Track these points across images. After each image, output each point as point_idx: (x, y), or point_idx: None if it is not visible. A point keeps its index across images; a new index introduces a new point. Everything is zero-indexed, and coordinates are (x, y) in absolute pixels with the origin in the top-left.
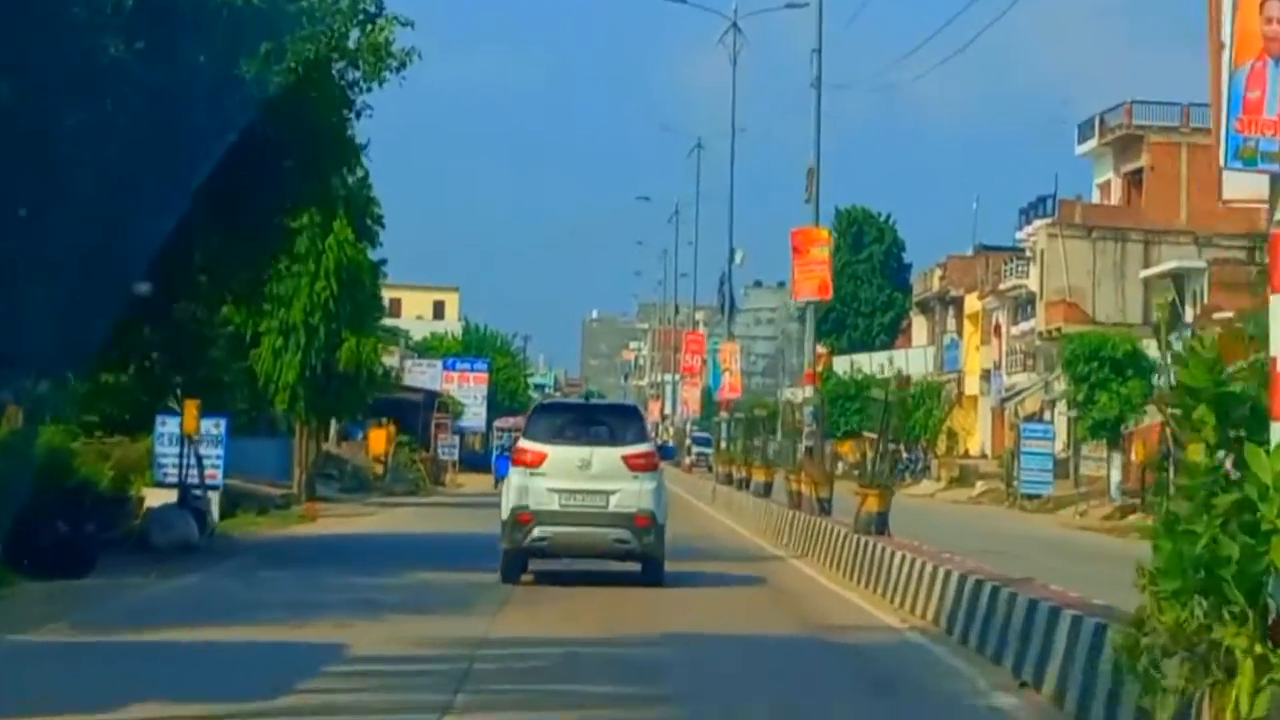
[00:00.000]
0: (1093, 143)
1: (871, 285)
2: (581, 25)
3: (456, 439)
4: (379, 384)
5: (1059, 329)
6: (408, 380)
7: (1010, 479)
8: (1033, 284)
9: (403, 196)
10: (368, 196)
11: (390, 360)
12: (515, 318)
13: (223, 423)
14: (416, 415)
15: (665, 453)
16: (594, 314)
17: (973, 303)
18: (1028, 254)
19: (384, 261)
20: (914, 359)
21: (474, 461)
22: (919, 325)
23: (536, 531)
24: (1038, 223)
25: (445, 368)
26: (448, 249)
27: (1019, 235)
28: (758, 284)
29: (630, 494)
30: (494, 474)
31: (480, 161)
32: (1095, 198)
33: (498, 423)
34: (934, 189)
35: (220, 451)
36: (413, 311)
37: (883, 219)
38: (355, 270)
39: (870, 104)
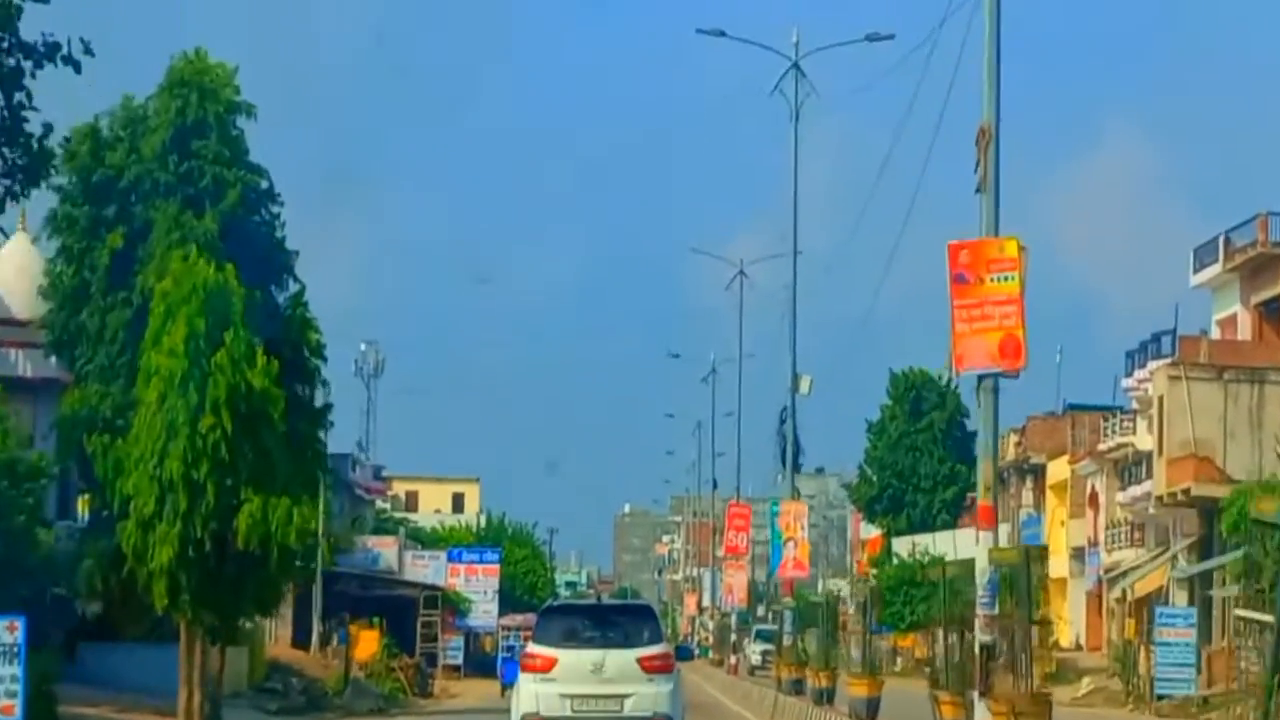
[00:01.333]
0: (1215, 269)
1: (932, 458)
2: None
3: (462, 640)
4: (293, 567)
5: (1188, 490)
6: (408, 575)
7: (1129, 675)
8: (1142, 441)
9: (427, 390)
10: (303, 318)
11: (387, 551)
12: (543, 513)
13: (19, 625)
14: (415, 614)
15: (682, 653)
16: (626, 508)
17: (1059, 470)
18: (1135, 406)
19: (329, 408)
20: (984, 539)
21: (485, 665)
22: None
23: None
24: (1153, 365)
25: (450, 559)
26: (471, 444)
27: (1126, 383)
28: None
29: (646, 697)
30: (500, 680)
31: (497, 342)
32: (1216, 336)
33: (503, 621)
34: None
35: (16, 670)
36: (430, 505)
37: (943, 383)
38: (259, 404)
39: (922, 257)
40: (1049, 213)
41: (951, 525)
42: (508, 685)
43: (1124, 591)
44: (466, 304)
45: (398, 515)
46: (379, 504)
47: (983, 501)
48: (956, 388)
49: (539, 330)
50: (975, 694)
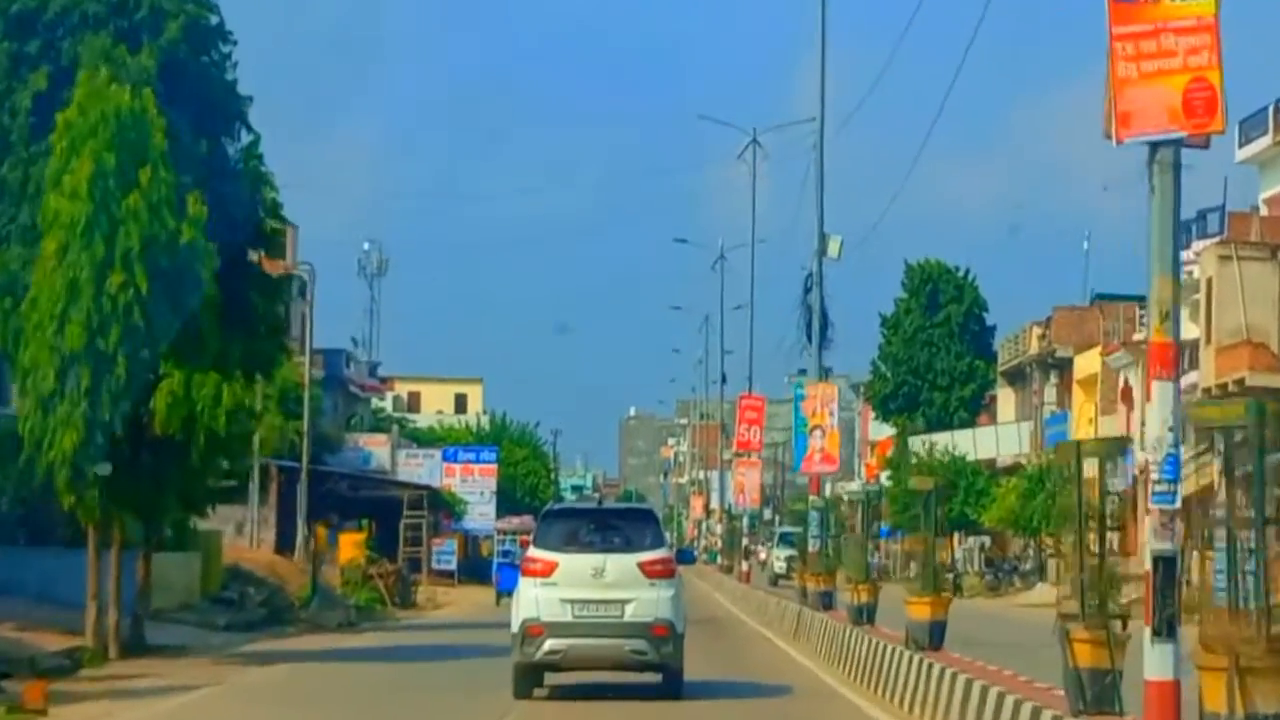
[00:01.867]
0: (1264, 142)
1: (949, 353)
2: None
3: (454, 544)
4: (225, 456)
5: (1241, 380)
6: (401, 475)
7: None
8: (1183, 329)
9: (431, 290)
10: (257, 171)
11: (379, 450)
12: (548, 416)
13: None
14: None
15: (683, 557)
16: (631, 412)
17: (1088, 363)
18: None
19: (290, 279)
20: (1005, 437)
21: (482, 571)
22: (1006, 399)
23: (548, 645)
24: (1200, 245)
25: (445, 459)
26: (476, 345)
27: None
28: (801, 372)
29: (647, 603)
30: (495, 587)
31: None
32: (1265, 214)
33: (498, 524)
34: (1017, 238)
35: None
36: (432, 406)
37: (961, 274)
38: (185, 260)
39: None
40: (1067, 82)
41: (970, 424)
42: (504, 593)
43: None
44: (468, 193)
45: (398, 416)
46: (377, 403)
47: (1158, 336)
48: (974, 280)
49: (546, 225)
50: (1146, 632)
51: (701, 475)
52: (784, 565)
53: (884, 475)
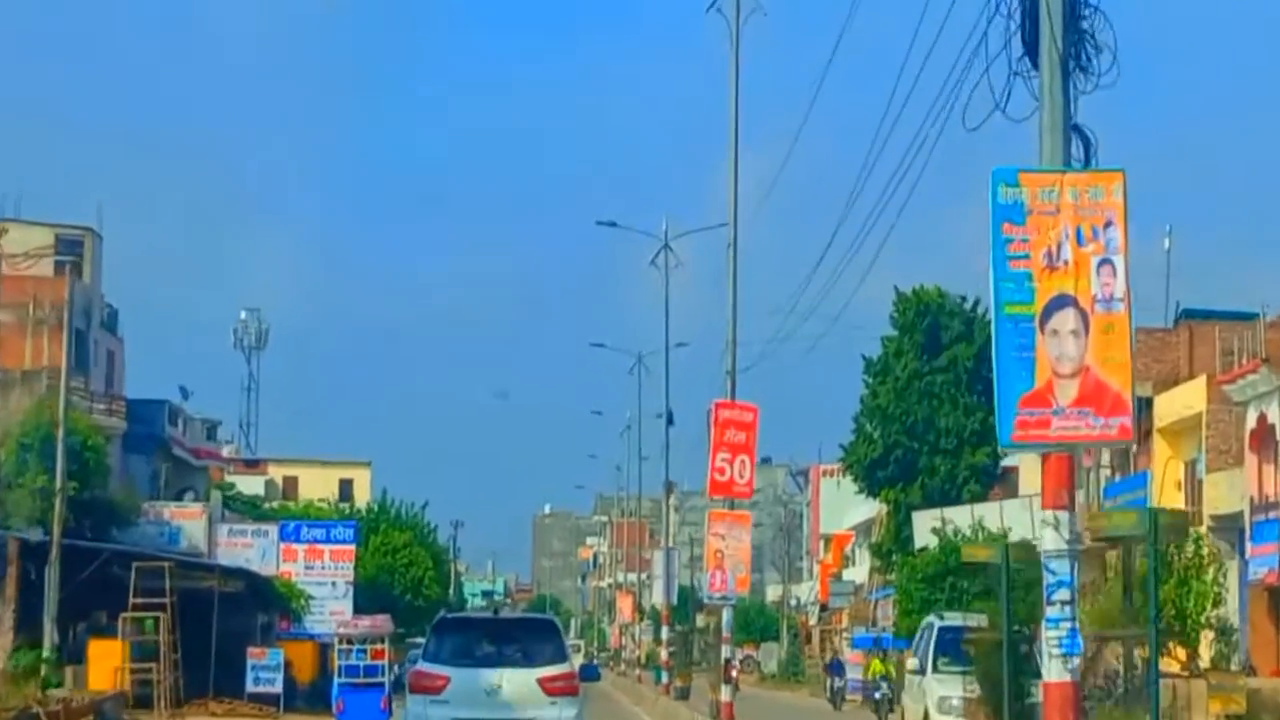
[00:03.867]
0: None
1: (955, 407)
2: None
3: (280, 655)
4: None
5: None
6: (223, 558)
7: None
8: None
9: (325, 381)
10: None
11: (191, 524)
12: (454, 513)
13: None
14: (223, 611)
15: (587, 673)
16: (546, 509)
17: (1181, 401)
18: None
19: None
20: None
21: (324, 695)
22: (1030, 465)
23: None
24: None
25: (283, 538)
26: (368, 432)
27: None
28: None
29: None
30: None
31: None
32: None
33: (340, 628)
34: None
35: None
36: (312, 492)
37: (969, 306)
38: None
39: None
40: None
41: (982, 497)
42: None
43: None
44: (367, 282)
45: (251, 496)
46: (225, 477)
47: None
48: (986, 314)
49: (449, 313)
50: None
51: (626, 578)
52: (958, 708)
53: (866, 570)
